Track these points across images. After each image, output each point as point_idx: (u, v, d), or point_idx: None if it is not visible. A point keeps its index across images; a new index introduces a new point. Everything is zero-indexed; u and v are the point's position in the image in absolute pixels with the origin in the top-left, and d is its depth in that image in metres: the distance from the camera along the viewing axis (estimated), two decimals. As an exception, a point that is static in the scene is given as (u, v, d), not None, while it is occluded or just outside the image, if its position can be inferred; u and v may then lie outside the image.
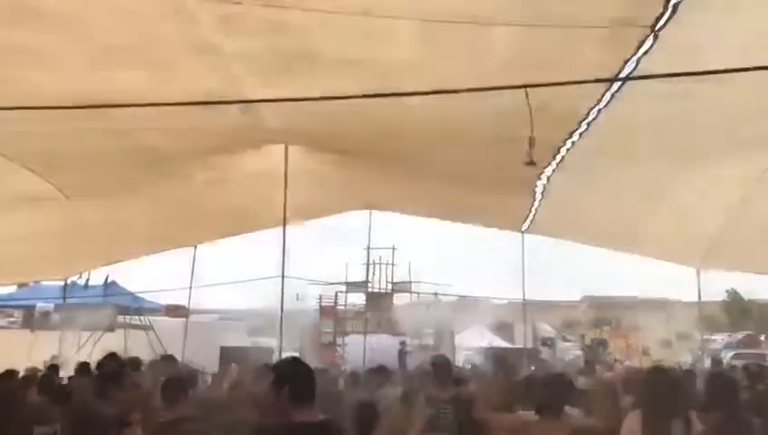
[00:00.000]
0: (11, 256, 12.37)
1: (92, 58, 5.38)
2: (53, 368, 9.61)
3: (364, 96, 5.25)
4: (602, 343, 26.00)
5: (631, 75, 5.51)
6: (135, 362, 8.13)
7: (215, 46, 5.20)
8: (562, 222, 12.75)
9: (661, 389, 4.48)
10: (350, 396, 7.06)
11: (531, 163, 5.34)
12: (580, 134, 7.51)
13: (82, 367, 8.55)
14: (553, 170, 9.07)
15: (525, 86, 4.88)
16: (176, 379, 4.93)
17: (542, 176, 9.54)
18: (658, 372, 4.82)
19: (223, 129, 7.63)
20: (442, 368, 6.27)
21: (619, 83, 5.85)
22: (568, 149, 8.06)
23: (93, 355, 17.59)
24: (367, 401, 5.07)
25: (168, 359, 8.70)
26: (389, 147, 8.73)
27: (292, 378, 3.32)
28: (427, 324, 18.18)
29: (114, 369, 3.74)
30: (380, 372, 7.73)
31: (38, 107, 5.65)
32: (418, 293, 19.01)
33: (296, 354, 18.72)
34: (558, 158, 8.46)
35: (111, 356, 7.53)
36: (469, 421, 4.56)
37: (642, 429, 4.30)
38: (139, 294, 21.14)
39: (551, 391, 4.40)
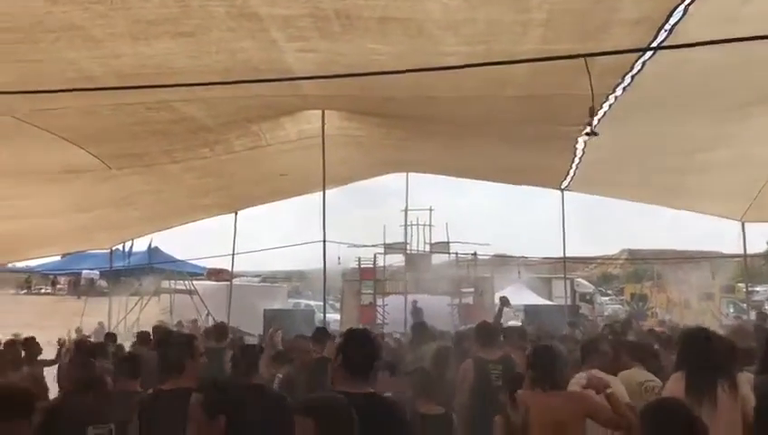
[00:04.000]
0: (58, 228, 12.69)
1: (132, 31, 5.38)
2: (111, 337, 9.85)
3: (408, 71, 5.16)
4: (642, 298, 25.82)
5: (678, 23, 5.34)
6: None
7: (253, 12, 5.17)
8: (603, 178, 12.57)
9: (704, 352, 4.38)
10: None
11: (592, 133, 5.22)
12: (624, 88, 7.34)
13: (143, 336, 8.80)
14: (595, 126, 8.92)
15: (584, 55, 4.75)
16: (249, 348, 4.98)
17: (583, 132, 9.39)
18: (699, 333, 4.68)
19: (261, 96, 7.63)
20: (488, 330, 6.29)
21: (665, 33, 5.68)
22: (611, 105, 7.90)
23: (141, 320, 18.18)
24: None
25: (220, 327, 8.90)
26: (426, 107, 8.65)
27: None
28: (466, 284, 18.19)
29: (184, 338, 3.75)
30: (423, 329, 7.84)
31: (82, 89, 5.72)
32: (456, 253, 19.00)
33: (337, 316, 19.03)
34: (600, 113, 8.32)
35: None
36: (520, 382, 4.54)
37: (686, 391, 4.19)
38: (183, 260, 21.53)
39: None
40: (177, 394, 3.31)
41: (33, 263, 23.71)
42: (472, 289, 18.06)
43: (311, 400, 2.70)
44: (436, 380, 5.01)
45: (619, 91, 7.45)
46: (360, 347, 3.34)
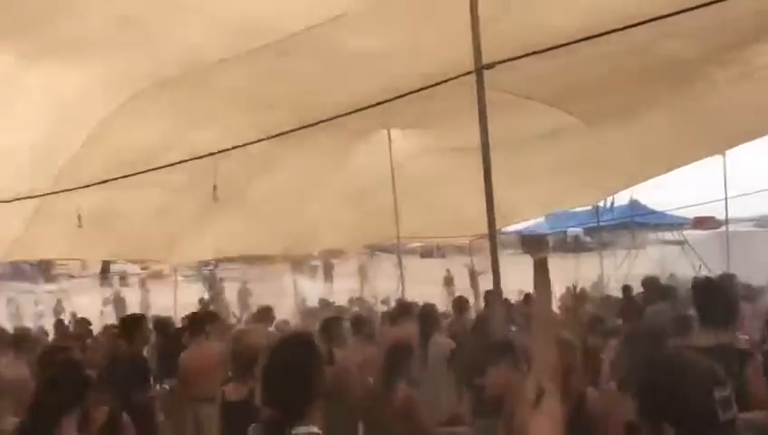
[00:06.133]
0: (538, 190, 13.47)
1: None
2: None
3: None
4: None
5: None
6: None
7: None
8: None
9: None
10: None
11: None
12: None
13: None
14: None
15: None
16: None
17: None
18: None
19: (733, 19, 6.73)
20: None
21: None
22: None
23: (630, 273, 18.26)
24: None
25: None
26: None
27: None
28: None
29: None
30: None
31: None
32: None
33: None
34: None
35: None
36: None
37: None
38: (665, 211, 20.95)
39: None
40: None
41: (519, 226, 25.44)
42: None
43: None
44: None
45: None
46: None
